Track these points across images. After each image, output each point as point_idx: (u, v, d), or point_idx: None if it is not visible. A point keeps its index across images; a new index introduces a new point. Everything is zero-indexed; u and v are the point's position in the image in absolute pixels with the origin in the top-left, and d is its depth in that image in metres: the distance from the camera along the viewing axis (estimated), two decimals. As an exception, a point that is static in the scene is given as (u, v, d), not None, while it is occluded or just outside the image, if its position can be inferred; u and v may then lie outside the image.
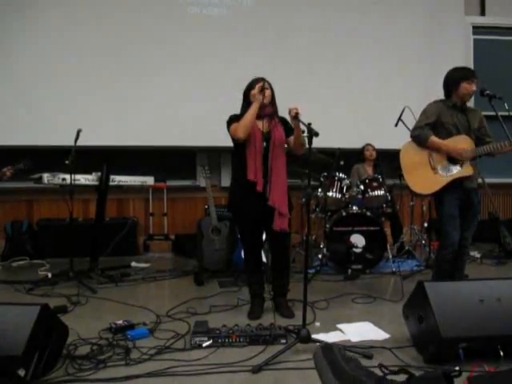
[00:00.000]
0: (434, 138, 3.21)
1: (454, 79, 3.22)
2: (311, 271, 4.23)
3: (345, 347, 2.41)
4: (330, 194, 4.57)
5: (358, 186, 4.61)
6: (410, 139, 3.33)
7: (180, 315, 3.13)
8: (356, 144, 5.31)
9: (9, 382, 2.07)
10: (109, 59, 5.19)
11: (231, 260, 4.29)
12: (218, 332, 2.64)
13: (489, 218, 5.86)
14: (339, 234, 4.41)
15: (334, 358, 1.82)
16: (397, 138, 3.71)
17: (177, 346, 2.60)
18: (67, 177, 3.99)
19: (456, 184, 3.19)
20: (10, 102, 5.02)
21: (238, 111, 3.13)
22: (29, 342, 2.12)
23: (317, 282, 4.09)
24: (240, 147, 3.06)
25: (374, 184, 4.55)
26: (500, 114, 3.10)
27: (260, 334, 2.64)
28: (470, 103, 3.82)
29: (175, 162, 5.71)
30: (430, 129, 3.23)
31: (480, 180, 3.76)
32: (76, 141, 3.94)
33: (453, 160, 3.21)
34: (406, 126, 4.28)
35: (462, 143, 3.19)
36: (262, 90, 3.01)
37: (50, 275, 4.14)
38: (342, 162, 4.72)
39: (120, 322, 2.84)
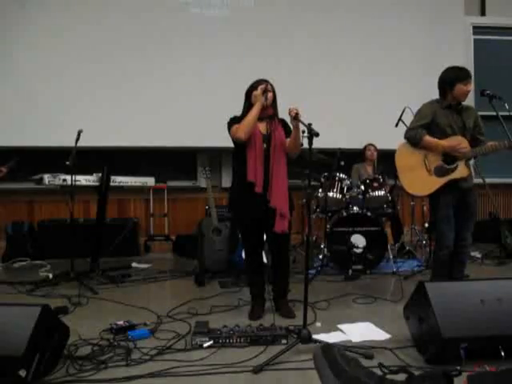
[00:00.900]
0: (428, 137, 3.19)
1: (448, 80, 3.18)
2: (312, 272, 4.23)
3: (345, 347, 2.42)
4: (330, 194, 4.56)
5: (358, 187, 4.61)
6: (404, 140, 3.31)
7: (181, 316, 3.12)
8: (356, 144, 5.32)
9: (10, 382, 2.07)
10: (110, 60, 5.21)
11: (232, 260, 4.29)
12: (218, 332, 2.63)
13: (489, 218, 5.86)
14: (340, 234, 4.40)
15: (334, 358, 1.82)
16: (397, 139, 3.70)
17: (178, 347, 2.60)
18: (68, 178, 4.01)
19: (451, 185, 3.17)
20: (10, 102, 5.03)
21: (238, 112, 3.13)
22: (30, 343, 2.12)
23: (317, 283, 4.09)
24: (240, 148, 3.06)
25: (375, 184, 4.55)
26: (500, 114, 3.11)
27: (261, 334, 2.63)
28: (470, 103, 3.82)
29: (176, 163, 5.72)
30: (424, 129, 3.21)
31: (481, 180, 3.74)
32: (77, 141, 3.96)
33: (448, 161, 3.20)
34: (406, 126, 4.26)
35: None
36: (265, 92, 3.01)
37: (50, 276, 4.14)
38: (342, 163, 4.71)
39: (121, 322, 2.84)
